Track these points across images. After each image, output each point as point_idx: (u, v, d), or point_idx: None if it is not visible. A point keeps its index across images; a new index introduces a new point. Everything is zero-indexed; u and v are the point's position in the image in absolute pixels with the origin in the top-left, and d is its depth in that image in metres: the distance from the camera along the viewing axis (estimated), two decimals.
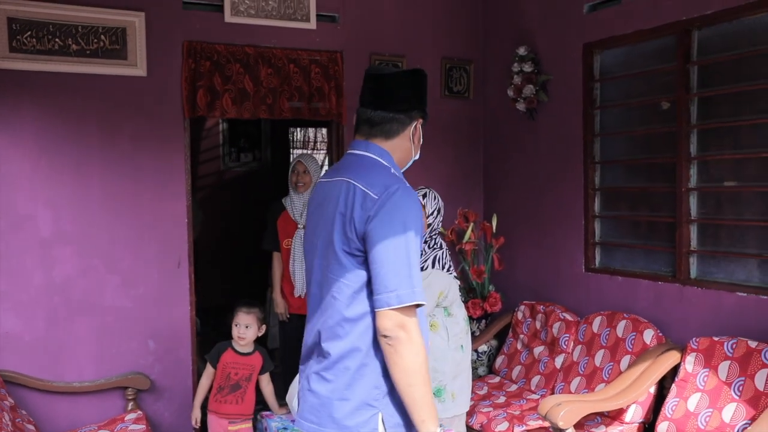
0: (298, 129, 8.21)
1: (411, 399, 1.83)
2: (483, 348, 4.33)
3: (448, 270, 3.22)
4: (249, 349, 3.53)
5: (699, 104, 3.38)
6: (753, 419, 2.79)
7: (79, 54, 3.60)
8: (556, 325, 3.92)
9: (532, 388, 3.88)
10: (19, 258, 3.53)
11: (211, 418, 3.47)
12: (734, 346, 3.00)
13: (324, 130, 7.86)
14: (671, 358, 3.23)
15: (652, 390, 3.28)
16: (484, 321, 4.42)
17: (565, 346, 3.83)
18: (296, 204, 4.12)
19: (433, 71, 4.49)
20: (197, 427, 3.53)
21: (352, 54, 4.27)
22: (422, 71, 2.07)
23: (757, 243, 3.16)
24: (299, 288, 4.07)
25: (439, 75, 4.57)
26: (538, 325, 4.07)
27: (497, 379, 4.14)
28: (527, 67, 4.16)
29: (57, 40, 3.55)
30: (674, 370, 3.24)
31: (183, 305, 3.90)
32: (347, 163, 2.02)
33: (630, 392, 3.16)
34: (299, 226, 4.08)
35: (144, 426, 3.49)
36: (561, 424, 2.89)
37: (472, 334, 4.28)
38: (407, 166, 2.12)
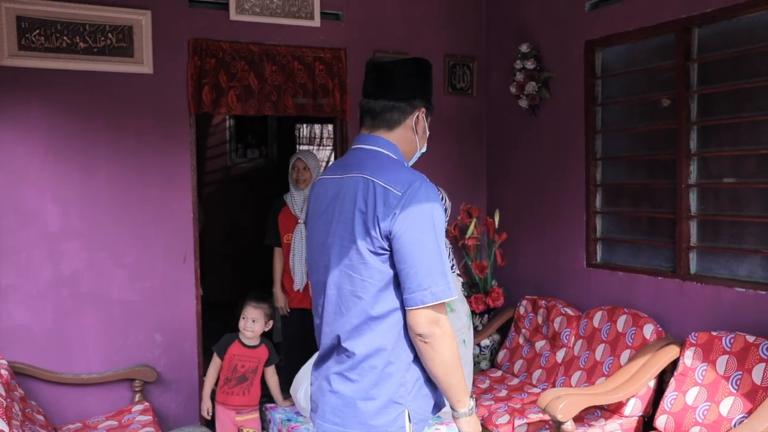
0: (305, 125, 8.26)
1: (448, 385, 1.87)
2: (485, 342, 4.37)
3: (451, 268, 3.27)
4: (256, 342, 3.59)
5: (699, 101, 3.41)
6: (750, 413, 2.82)
7: (87, 52, 3.66)
8: (558, 319, 3.96)
9: (534, 382, 3.93)
10: (27, 252, 3.60)
11: (219, 409, 3.54)
12: (732, 340, 3.03)
13: (330, 127, 7.91)
14: (670, 352, 3.26)
15: (652, 384, 3.32)
16: (486, 316, 4.46)
17: (566, 341, 3.86)
18: (297, 200, 4.18)
19: (436, 68, 4.52)
20: (209, 417, 3.59)
21: (355, 51, 4.31)
22: (425, 60, 2.03)
23: (756, 239, 3.19)
24: (298, 282, 4.12)
25: (442, 72, 4.60)
26: (539, 319, 4.10)
27: (499, 373, 4.18)
28: (529, 65, 4.19)
29: (65, 38, 3.61)
30: (673, 365, 3.27)
31: (189, 299, 3.95)
32: (357, 159, 1.95)
33: (629, 386, 3.19)
34: (299, 221, 4.13)
35: (151, 417, 3.55)
36: (560, 417, 2.93)
37: (475, 328, 4.33)
38: (414, 159, 2.08)
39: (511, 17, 4.52)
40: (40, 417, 3.34)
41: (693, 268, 3.44)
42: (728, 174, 3.33)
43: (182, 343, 3.94)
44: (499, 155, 4.71)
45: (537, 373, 3.94)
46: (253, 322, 3.53)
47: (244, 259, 7.24)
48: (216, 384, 3.59)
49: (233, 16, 3.96)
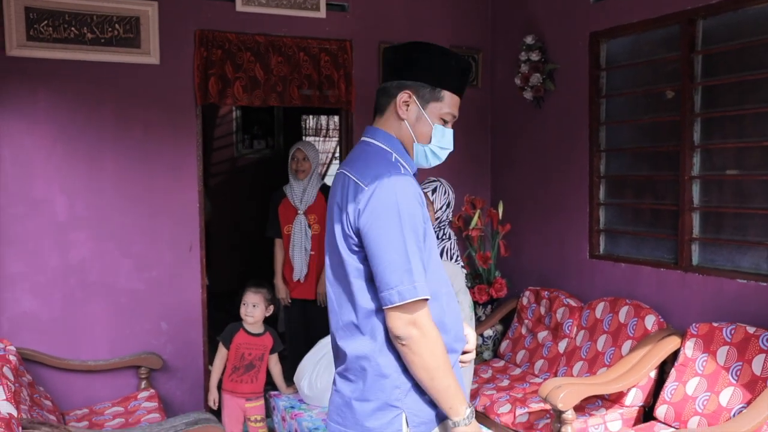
0: (311, 116, 8.28)
1: (435, 391, 1.74)
2: (488, 333, 4.40)
3: (456, 260, 3.28)
4: (260, 329, 3.62)
5: (703, 93, 3.41)
6: (749, 403, 2.84)
7: (94, 42, 3.69)
8: (560, 310, 3.98)
9: (536, 372, 3.95)
10: (36, 241, 3.65)
11: (227, 397, 3.58)
12: (733, 331, 3.05)
13: (336, 118, 7.93)
14: (671, 343, 3.28)
15: (653, 374, 3.34)
16: (489, 306, 4.49)
17: (568, 331, 3.89)
18: (296, 190, 4.20)
19: None
20: (215, 407, 3.63)
21: (361, 42, 4.32)
22: (424, 43, 1.87)
23: (758, 231, 3.19)
24: (298, 272, 4.16)
25: None
26: (542, 310, 4.13)
27: (501, 363, 4.21)
28: (534, 56, 4.19)
29: (73, 28, 3.64)
30: (674, 355, 3.29)
31: (194, 288, 4.00)
32: (354, 151, 1.90)
33: (630, 376, 3.21)
34: (299, 212, 4.16)
35: (156, 404, 3.60)
36: (561, 406, 2.95)
37: (478, 319, 4.36)
38: (424, 156, 1.90)
39: (516, 9, 4.52)
40: (48, 402, 3.39)
41: (695, 260, 3.45)
42: (732, 166, 3.33)
43: (188, 332, 3.99)
44: (504, 146, 4.72)
45: (539, 363, 3.96)
46: (253, 307, 3.57)
47: (250, 250, 7.27)
48: (222, 373, 3.63)
49: (239, 7, 3.99)
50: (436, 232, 3.25)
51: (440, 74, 1.83)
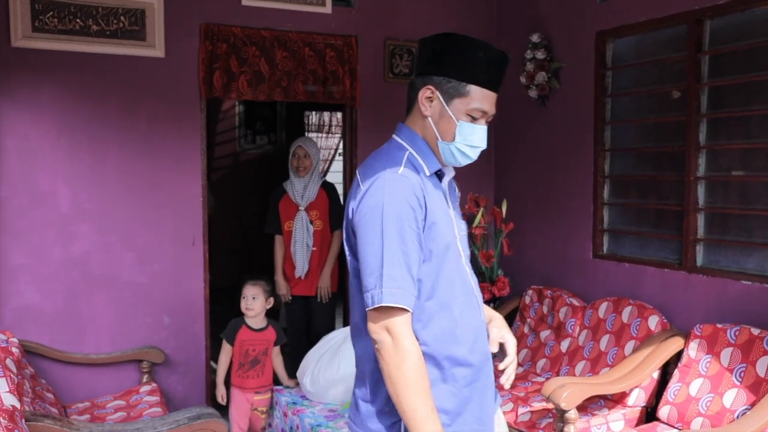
0: (314, 113, 8.27)
1: (401, 411, 1.62)
2: None
3: None
4: (262, 324, 3.62)
5: (709, 93, 3.40)
6: (753, 405, 2.83)
7: (99, 34, 3.68)
8: (563, 309, 3.98)
9: (538, 371, 3.95)
10: (39, 233, 3.64)
11: (235, 392, 3.58)
12: (737, 333, 3.04)
13: (339, 114, 7.91)
14: (675, 343, 3.27)
15: (655, 375, 3.33)
16: (492, 305, 4.48)
17: (571, 331, 3.88)
18: (297, 187, 4.19)
19: None
20: (223, 403, 3.63)
21: (366, 38, 4.31)
22: (452, 34, 1.75)
23: (764, 232, 3.18)
24: (299, 269, 4.15)
25: None
26: (545, 309, 4.12)
27: None
28: (540, 54, 4.18)
29: (78, 20, 3.63)
30: (677, 356, 3.29)
31: (197, 282, 3.99)
32: (378, 149, 1.84)
33: (633, 376, 3.21)
34: (300, 208, 4.15)
35: (158, 398, 3.60)
36: (563, 406, 2.94)
37: None
38: (453, 155, 1.80)
39: (522, 7, 4.51)
40: (50, 395, 3.39)
41: (699, 261, 3.44)
42: (737, 167, 3.32)
43: (190, 326, 3.98)
44: (508, 145, 4.71)
45: (541, 363, 3.96)
46: (253, 300, 3.56)
47: (253, 245, 7.27)
48: (229, 369, 3.63)
49: (245, 1, 3.98)
50: None
51: (466, 67, 1.71)
